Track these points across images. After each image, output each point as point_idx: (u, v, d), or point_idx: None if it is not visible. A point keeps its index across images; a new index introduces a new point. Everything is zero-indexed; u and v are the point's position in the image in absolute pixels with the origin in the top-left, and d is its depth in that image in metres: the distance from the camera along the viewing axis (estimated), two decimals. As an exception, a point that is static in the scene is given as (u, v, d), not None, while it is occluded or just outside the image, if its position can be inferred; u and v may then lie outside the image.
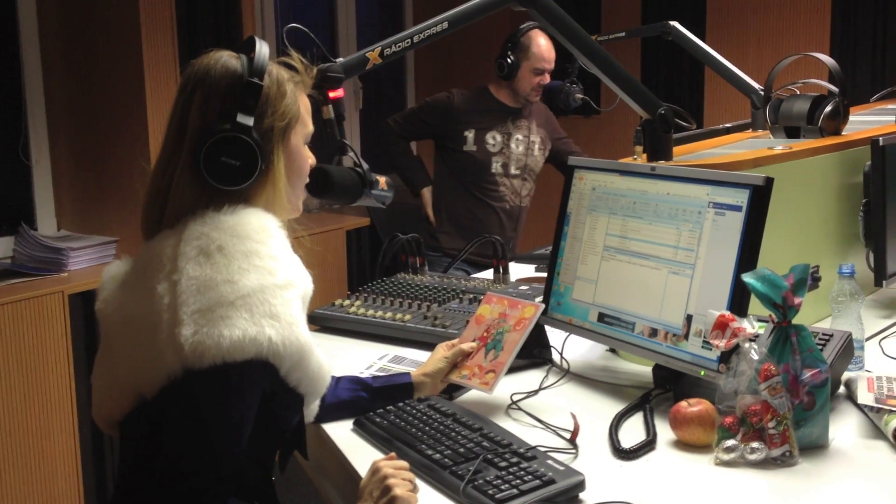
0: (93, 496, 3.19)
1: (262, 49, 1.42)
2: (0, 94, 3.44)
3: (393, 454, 1.49)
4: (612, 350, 2.04)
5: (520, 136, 3.66)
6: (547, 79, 3.60)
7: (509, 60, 3.56)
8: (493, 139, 3.63)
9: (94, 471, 3.21)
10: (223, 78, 1.40)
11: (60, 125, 3.52)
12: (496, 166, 3.64)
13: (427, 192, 3.72)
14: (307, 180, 1.55)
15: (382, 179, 1.82)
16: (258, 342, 1.28)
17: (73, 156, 3.54)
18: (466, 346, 1.80)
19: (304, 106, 1.50)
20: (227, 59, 1.43)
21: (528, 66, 3.57)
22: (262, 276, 1.32)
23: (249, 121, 1.39)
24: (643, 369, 1.89)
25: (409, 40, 1.88)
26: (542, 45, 3.56)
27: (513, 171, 3.68)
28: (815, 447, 1.53)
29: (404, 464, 1.43)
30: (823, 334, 1.73)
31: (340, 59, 1.82)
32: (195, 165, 1.38)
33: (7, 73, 3.43)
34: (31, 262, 3.27)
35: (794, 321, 1.54)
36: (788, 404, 1.49)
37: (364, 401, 1.73)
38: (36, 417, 3.01)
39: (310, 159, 1.54)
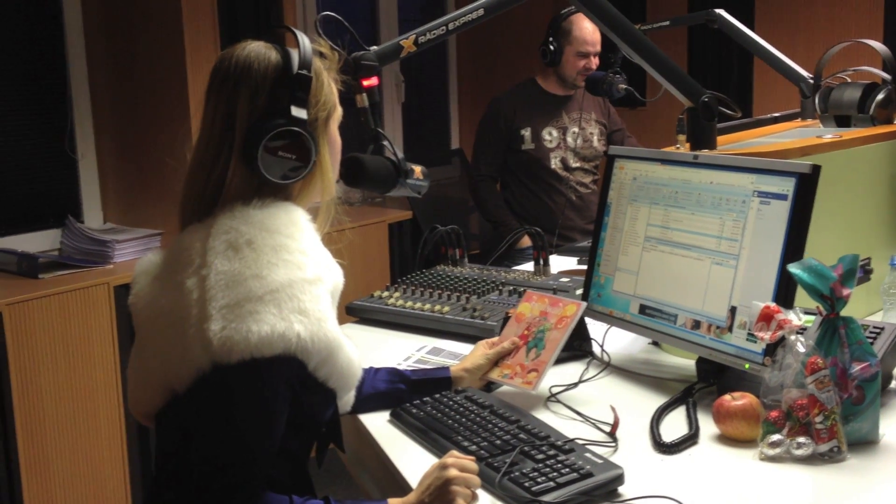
0: (138, 481, 3.23)
1: (305, 41, 1.41)
2: (47, 91, 3.49)
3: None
4: (655, 343, 2.00)
5: (576, 129, 3.63)
6: (593, 62, 3.54)
7: (552, 47, 3.53)
8: (550, 135, 3.61)
9: (140, 456, 3.24)
10: (269, 71, 1.39)
11: (105, 120, 3.56)
12: (555, 162, 3.62)
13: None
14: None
15: (418, 169, 1.80)
16: (286, 338, 1.27)
17: (118, 150, 3.58)
18: (508, 343, 1.77)
19: (335, 91, 1.49)
20: (266, 51, 1.41)
21: (571, 51, 3.53)
22: (291, 270, 1.31)
23: (303, 113, 1.38)
24: (686, 362, 1.85)
25: (444, 28, 1.86)
26: (584, 28, 3.51)
27: (572, 164, 3.64)
28: (865, 443, 1.49)
29: (474, 467, 1.37)
30: (874, 327, 1.67)
31: (374, 48, 1.80)
32: (248, 160, 1.36)
33: (53, 69, 3.47)
34: (78, 254, 3.31)
35: (845, 314, 1.50)
36: (836, 398, 1.44)
37: (402, 393, 1.72)
38: (82, 405, 3.05)
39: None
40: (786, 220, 1.58)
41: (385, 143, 1.77)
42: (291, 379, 1.32)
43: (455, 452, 1.39)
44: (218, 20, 3.40)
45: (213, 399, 1.30)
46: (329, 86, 1.46)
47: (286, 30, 1.46)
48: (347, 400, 1.62)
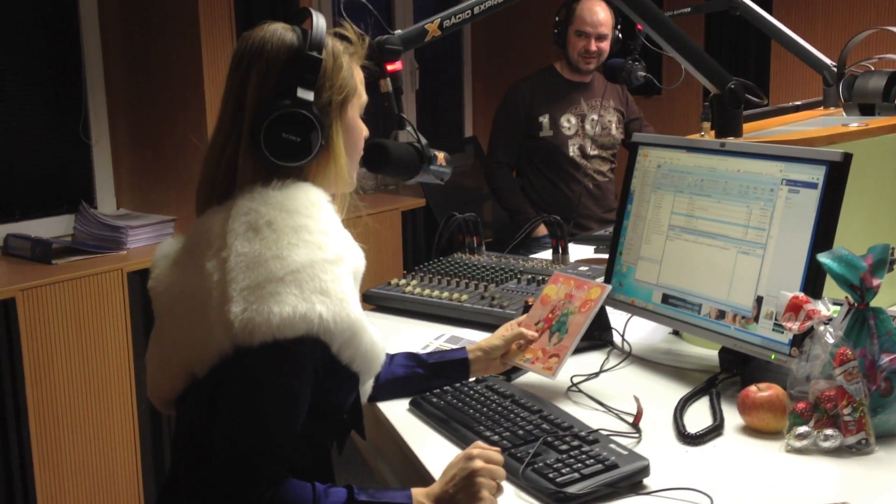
0: (150, 468, 3.24)
1: (319, 22, 1.39)
2: (61, 76, 3.48)
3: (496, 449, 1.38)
4: (676, 332, 1.98)
5: (594, 117, 3.61)
6: (594, 45, 3.49)
7: (556, 30, 3.52)
8: (568, 122, 3.58)
9: (152, 443, 3.25)
10: (280, 52, 1.37)
11: (119, 105, 3.56)
12: (573, 149, 3.59)
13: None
14: (362, 153, 1.52)
15: (441, 155, 1.78)
16: (308, 319, 1.26)
17: (131, 135, 3.57)
18: (529, 333, 1.74)
19: (359, 77, 1.47)
20: (283, 32, 1.40)
21: (572, 30, 3.52)
22: (312, 250, 1.29)
23: (310, 95, 1.36)
24: (708, 352, 1.83)
25: (469, 11, 1.84)
26: (587, 9, 3.48)
27: (590, 152, 3.62)
28: (893, 435, 1.46)
29: (500, 459, 1.35)
30: (901, 318, 1.65)
31: (399, 31, 1.78)
32: (255, 142, 1.35)
33: (68, 54, 3.47)
34: (91, 240, 3.31)
35: (871, 304, 1.47)
36: (865, 390, 1.42)
37: (420, 377, 1.70)
38: (96, 392, 3.05)
39: (364, 131, 1.51)
40: (815, 209, 1.55)
41: (409, 128, 1.75)
42: (315, 362, 1.31)
43: (480, 443, 1.38)
44: (234, 6, 3.39)
45: (236, 382, 1.28)
46: (349, 69, 1.43)
47: (305, 12, 1.44)
48: (367, 388, 1.61)
